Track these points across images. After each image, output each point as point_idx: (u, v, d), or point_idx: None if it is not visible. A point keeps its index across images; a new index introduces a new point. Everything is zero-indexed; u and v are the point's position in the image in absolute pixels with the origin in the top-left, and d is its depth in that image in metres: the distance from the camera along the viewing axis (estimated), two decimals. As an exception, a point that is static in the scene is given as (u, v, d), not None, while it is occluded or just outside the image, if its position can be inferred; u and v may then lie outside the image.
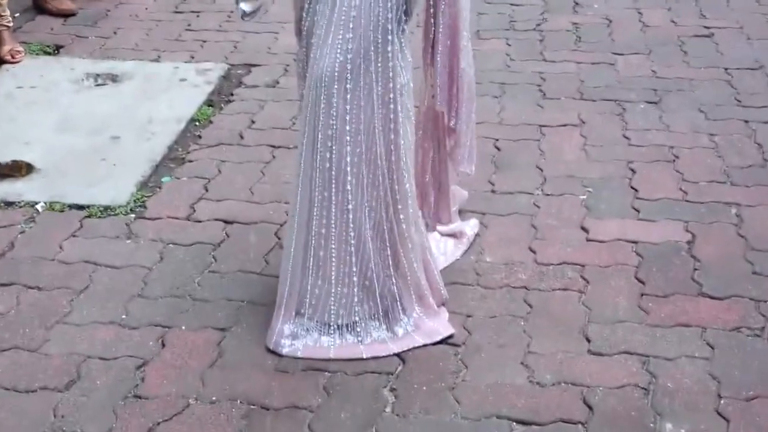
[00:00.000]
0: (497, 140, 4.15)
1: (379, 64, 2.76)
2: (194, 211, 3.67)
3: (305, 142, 2.83)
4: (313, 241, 2.89)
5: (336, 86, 2.75)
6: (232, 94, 4.60)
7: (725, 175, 3.88)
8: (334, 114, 2.77)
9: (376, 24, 2.74)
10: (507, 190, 3.79)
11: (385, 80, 2.78)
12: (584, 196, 3.74)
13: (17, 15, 5.38)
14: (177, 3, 5.70)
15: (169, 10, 5.61)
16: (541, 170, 3.93)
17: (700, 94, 4.55)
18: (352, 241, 2.89)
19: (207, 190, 3.81)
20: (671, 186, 3.80)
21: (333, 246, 2.89)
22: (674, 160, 3.98)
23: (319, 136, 2.79)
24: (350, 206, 2.85)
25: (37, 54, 5.05)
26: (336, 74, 2.74)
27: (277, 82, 4.71)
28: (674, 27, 5.31)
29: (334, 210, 2.85)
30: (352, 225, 2.87)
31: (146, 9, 5.63)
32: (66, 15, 5.50)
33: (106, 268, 3.35)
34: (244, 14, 2.89)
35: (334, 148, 2.79)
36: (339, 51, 2.73)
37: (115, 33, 5.30)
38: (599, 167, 3.94)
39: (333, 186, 2.83)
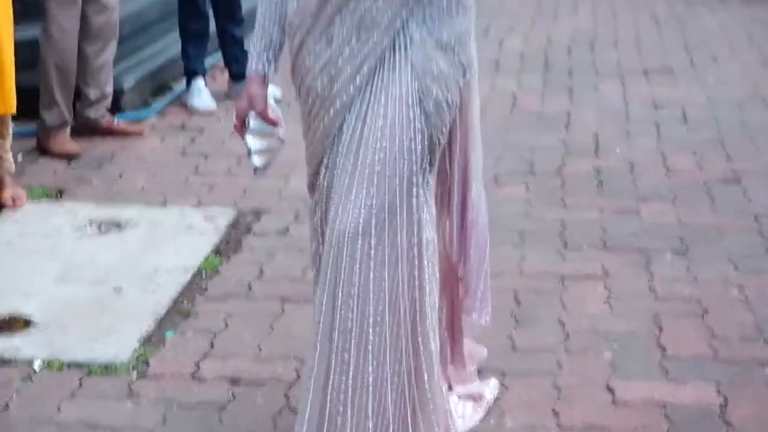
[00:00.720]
0: (517, 292, 4.17)
1: (404, 218, 2.80)
2: (199, 368, 3.68)
3: (325, 302, 2.84)
4: (330, 406, 2.88)
5: (360, 243, 2.78)
6: (240, 243, 4.65)
7: (758, 331, 3.89)
8: (357, 271, 2.79)
9: (402, 177, 2.79)
10: (528, 347, 3.80)
11: (410, 234, 2.81)
12: (609, 354, 3.75)
13: (20, 157, 5.46)
14: (185, 145, 5.82)
15: (176, 152, 5.72)
16: (564, 325, 3.94)
17: (728, 244, 4.59)
18: (372, 405, 2.86)
19: (213, 346, 3.82)
20: (701, 343, 3.81)
21: (351, 413, 2.87)
22: (703, 315, 4.00)
23: (341, 295, 2.81)
24: (370, 368, 2.84)
25: (39, 198, 5.14)
26: (360, 231, 2.77)
27: (287, 230, 4.76)
28: (700, 171, 5.39)
29: (353, 373, 2.84)
30: (371, 389, 2.86)
31: (152, 151, 5.74)
32: (70, 157, 5.60)
33: (106, 431, 3.35)
34: (257, 169, 2.97)
35: (356, 308, 2.81)
36: (363, 207, 2.77)
37: (120, 176, 5.40)
38: (624, 322, 3.96)
39: (353, 348, 2.82)
